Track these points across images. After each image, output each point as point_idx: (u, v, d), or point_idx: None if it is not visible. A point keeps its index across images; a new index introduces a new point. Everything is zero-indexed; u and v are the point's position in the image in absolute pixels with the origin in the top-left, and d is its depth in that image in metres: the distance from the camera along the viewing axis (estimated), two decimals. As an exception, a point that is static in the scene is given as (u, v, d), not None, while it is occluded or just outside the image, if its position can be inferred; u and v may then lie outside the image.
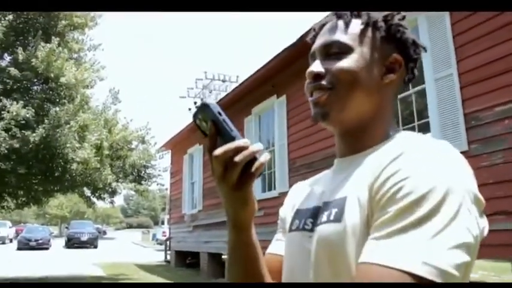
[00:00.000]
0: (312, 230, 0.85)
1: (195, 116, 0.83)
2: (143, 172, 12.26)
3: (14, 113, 9.13)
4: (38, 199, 12.51)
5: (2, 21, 10.22)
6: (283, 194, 8.12)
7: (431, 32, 5.90)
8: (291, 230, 0.93)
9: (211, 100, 0.83)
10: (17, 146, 9.17)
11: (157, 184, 13.53)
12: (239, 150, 0.76)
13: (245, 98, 10.41)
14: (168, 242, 18.55)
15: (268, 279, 0.93)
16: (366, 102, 0.88)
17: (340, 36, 0.89)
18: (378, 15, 0.90)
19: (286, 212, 1.03)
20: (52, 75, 9.97)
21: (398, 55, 0.90)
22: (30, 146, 9.28)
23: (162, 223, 34.67)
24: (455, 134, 5.47)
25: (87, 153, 9.82)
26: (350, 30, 0.89)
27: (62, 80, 9.90)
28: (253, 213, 0.87)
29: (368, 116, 0.88)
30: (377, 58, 0.88)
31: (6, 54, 11.18)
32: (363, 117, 0.88)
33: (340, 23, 0.91)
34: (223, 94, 19.94)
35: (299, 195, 1.01)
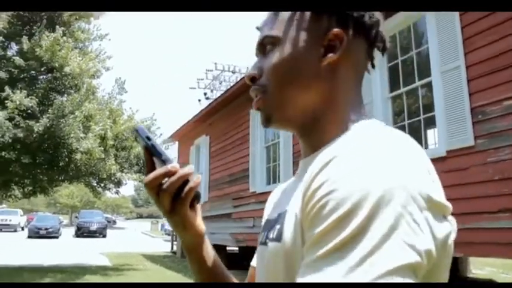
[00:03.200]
0: (266, 244, 0.75)
1: (136, 140, 0.80)
2: (148, 163, 12.25)
3: (18, 102, 9.13)
4: (44, 188, 12.55)
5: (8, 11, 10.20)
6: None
7: (439, 23, 5.71)
8: (259, 243, 0.82)
9: (141, 125, 0.77)
10: (21, 135, 9.17)
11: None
12: (169, 175, 0.73)
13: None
14: (175, 233, 18.58)
15: None
16: (308, 94, 0.74)
17: (268, 30, 0.78)
18: None
19: (262, 221, 0.91)
20: (57, 64, 9.94)
21: (339, 29, 0.73)
22: (34, 135, 9.28)
23: (170, 214, 34.79)
24: (461, 128, 5.30)
25: (90, 143, 9.79)
26: (279, 19, 0.77)
27: (66, 69, 9.86)
28: (198, 237, 0.85)
29: (318, 108, 0.74)
30: (311, 40, 0.74)
31: (13, 43, 11.18)
32: (310, 111, 0.75)
33: (271, 15, 0.79)
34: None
35: (271, 203, 0.90)
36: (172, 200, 0.75)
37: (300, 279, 0.54)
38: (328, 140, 0.72)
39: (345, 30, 0.73)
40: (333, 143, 0.68)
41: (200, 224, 0.85)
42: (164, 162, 0.75)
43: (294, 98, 0.75)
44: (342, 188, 0.55)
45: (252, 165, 10.09)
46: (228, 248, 12.44)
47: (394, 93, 6.74)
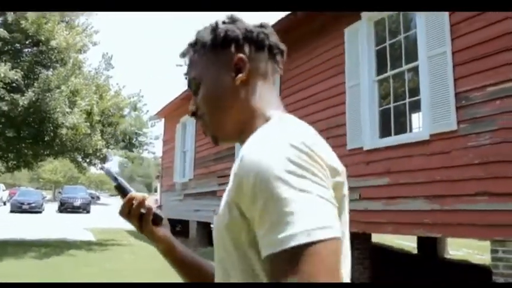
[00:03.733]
0: None
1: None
2: (134, 139, 12.23)
3: (2, 75, 9.00)
4: (28, 163, 12.47)
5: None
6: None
7: (428, 8, 5.77)
8: None
9: (107, 165, 0.90)
10: (5, 108, 9.07)
11: (149, 152, 13.54)
12: (131, 201, 1.04)
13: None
14: (159, 210, 18.63)
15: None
16: (233, 111, 0.92)
17: (189, 74, 0.98)
18: (204, 33, 0.95)
19: None
20: (43, 38, 9.79)
21: (238, 53, 0.91)
22: (19, 109, 9.18)
23: (155, 191, 34.88)
24: (444, 112, 5.43)
25: (76, 118, 9.73)
26: (194, 62, 0.97)
27: (53, 43, 9.73)
28: (167, 245, 1.08)
29: (244, 118, 0.91)
30: (222, 70, 0.92)
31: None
32: (240, 123, 0.92)
33: (186, 60, 0.99)
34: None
35: None
36: (139, 221, 1.04)
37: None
38: None
39: (244, 53, 0.91)
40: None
41: (165, 236, 1.07)
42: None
43: (224, 118, 0.93)
44: (239, 177, 0.74)
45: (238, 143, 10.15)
46: (212, 226, 12.57)
47: (381, 76, 6.83)
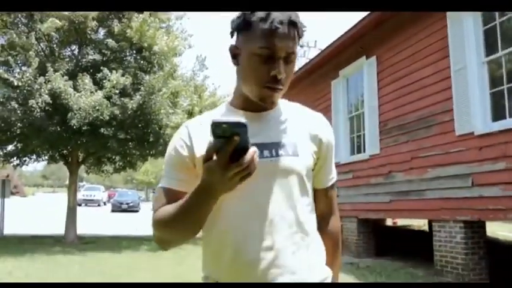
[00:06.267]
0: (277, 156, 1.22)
1: (226, 128, 0.92)
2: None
3: (115, 82, 9.73)
4: (133, 164, 13.36)
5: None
6: (374, 157, 8.00)
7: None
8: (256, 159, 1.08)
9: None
10: (117, 112, 9.81)
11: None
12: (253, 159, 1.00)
13: (332, 60, 10.27)
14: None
15: None
16: None
17: (292, 47, 1.18)
18: (298, 18, 1.19)
19: (201, 148, 1.15)
20: (145, 44, 10.45)
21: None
22: (129, 112, 9.88)
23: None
24: None
25: (180, 118, 10.28)
26: (295, 39, 1.18)
27: (155, 48, 10.35)
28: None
29: None
30: None
31: (100, 28, 11.83)
32: None
33: (295, 33, 1.17)
34: (301, 60, 19.70)
35: (208, 133, 1.04)
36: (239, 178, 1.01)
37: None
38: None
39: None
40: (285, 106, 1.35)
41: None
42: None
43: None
44: (330, 129, 1.38)
45: (336, 135, 10.14)
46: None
47: (492, 56, 6.51)
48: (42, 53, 11.09)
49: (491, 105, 6.42)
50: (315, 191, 1.34)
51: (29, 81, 9.53)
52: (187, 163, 1.23)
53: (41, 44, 11.14)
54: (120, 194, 33.61)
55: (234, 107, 1.29)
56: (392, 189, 8.04)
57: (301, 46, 25.61)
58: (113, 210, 29.92)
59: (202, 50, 14.75)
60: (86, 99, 9.62)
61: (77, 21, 10.63)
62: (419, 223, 14.27)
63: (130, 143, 10.96)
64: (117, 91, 9.98)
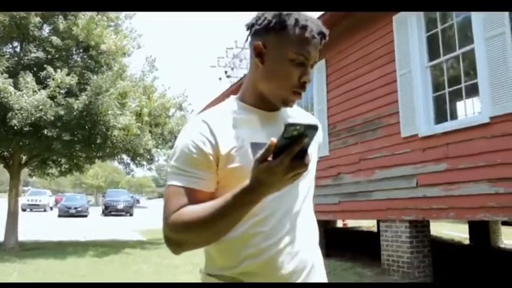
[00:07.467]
0: None
1: (301, 130, 0.91)
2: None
3: (59, 81, 9.35)
4: (80, 166, 12.90)
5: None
6: (323, 158, 8.05)
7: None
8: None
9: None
10: (62, 113, 9.42)
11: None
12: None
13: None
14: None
15: None
16: None
17: (316, 57, 1.23)
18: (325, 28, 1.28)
19: (225, 145, 1.17)
20: (93, 43, 10.12)
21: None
22: (74, 113, 9.51)
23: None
24: (506, 95, 5.33)
25: (128, 119, 10.01)
26: (318, 49, 1.24)
27: (103, 47, 10.04)
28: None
29: None
30: None
31: (45, 25, 11.35)
32: None
33: (318, 43, 1.22)
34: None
35: (228, 130, 1.20)
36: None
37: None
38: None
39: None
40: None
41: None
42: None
43: None
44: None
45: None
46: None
47: (434, 62, 6.74)
48: (-20, 49, 10.53)
49: (434, 109, 6.65)
50: None
51: (-35, 79, 9.01)
52: (210, 161, 1.17)
53: (-21, 40, 10.58)
54: (68, 199, 32.36)
55: (245, 103, 1.28)
56: (340, 190, 8.16)
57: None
58: (60, 215, 28.77)
59: (153, 51, 14.51)
60: (28, 99, 9.19)
61: (18, 16, 10.13)
62: (369, 224, 14.60)
63: (76, 145, 10.53)
64: (62, 91, 9.60)
